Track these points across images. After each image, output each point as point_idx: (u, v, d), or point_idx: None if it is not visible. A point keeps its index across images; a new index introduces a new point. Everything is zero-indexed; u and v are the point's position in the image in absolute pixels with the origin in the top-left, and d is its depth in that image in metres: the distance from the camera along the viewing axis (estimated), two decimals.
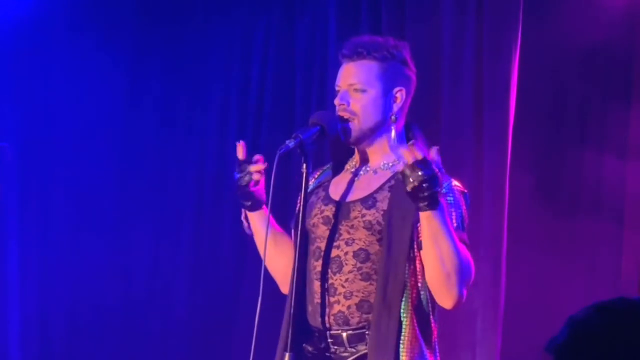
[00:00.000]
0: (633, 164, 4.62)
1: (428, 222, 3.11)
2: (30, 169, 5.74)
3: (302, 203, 3.28)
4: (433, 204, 3.09)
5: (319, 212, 3.36)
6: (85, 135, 5.76)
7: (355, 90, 3.34)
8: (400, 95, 3.36)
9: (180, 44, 5.74)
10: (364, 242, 3.28)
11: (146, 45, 5.80)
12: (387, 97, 3.35)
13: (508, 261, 4.75)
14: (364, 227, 3.28)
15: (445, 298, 3.21)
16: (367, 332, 3.25)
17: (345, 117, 3.33)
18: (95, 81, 5.75)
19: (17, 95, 5.75)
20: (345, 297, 3.27)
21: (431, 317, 3.29)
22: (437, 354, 3.31)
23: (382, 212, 3.27)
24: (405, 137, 3.40)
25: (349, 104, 3.34)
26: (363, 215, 3.29)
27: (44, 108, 5.77)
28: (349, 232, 3.30)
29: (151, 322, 5.66)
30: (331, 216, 3.34)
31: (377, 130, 3.36)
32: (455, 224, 3.23)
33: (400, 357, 3.20)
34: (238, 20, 5.62)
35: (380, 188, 3.32)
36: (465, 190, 3.34)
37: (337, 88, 3.39)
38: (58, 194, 5.75)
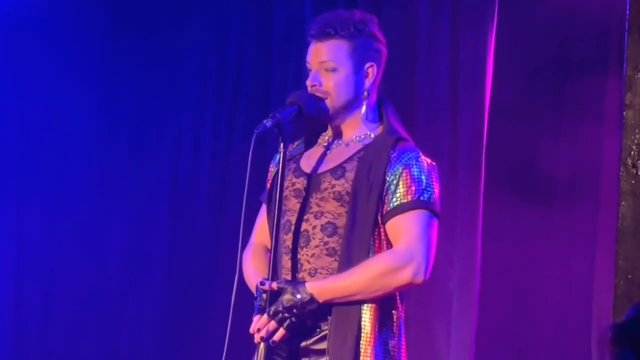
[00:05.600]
0: (608, 147, 4.62)
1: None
2: (4, 160, 5.72)
3: (279, 182, 3.27)
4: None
5: (290, 184, 3.36)
6: (61, 123, 5.74)
7: (327, 69, 3.33)
8: (371, 70, 3.36)
9: (156, 22, 5.71)
10: (333, 215, 3.27)
11: (122, 23, 5.76)
12: (358, 74, 3.34)
13: (483, 241, 4.76)
14: (333, 198, 3.27)
15: (408, 288, 3.26)
16: (329, 313, 3.23)
17: (319, 96, 3.33)
18: (70, 68, 5.72)
19: None
20: (309, 275, 3.27)
21: (397, 294, 3.27)
22: (402, 332, 3.29)
23: (351, 182, 3.27)
24: (378, 112, 3.41)
25: (321, 84, 3.34)
26: (333, 186, 3.28)
27: (18, 100, 5.76)
28: (318, 205, 3.29)
29: (126, 313, 5.65)
30: (302, 189, 3.34)
31: (350, 106, 3.36)
32: (415, 196, 3.23)
33: (362, 337, 3.20)
34: (215, 1, 5.59)
35: (350, 158, 3.32)
36: (434, 163, 3.34)
37: (308, 66, 3.39)
38: (33, 185, 5.74)
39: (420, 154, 3.31)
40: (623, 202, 4.27)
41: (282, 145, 3.26)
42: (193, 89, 5.64)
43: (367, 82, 3.35)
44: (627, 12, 4.38)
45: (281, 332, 3.18)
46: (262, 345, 3.19)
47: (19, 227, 5.74)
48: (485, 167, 4.77)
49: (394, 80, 4.67)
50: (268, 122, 3.24)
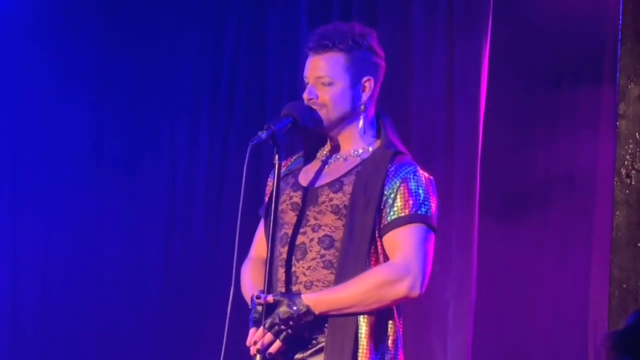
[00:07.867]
0: (602, 157, 4.63)
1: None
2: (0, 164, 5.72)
3: (275, 194, 3.26)
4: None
5: (287, 198, 3.36)
6: (55, 130, 5.72)
7: (323, 83, 3.32)
8: (368, 84, 3.35)
9: (151, 30, 5.70)
10: (330, 228, 3.27)
11: (116, 30, 5.76)
12: (355, 88, 3.34)
13: (479, 250, 4.76)
14: (331, 212, 3.27)
15: (404, 302, 3.25)
16: (325, 325, 3.23)
17: (315, 108, 3.33)
18: (65, 75, 5.71)
19: None
20: (305, 287, 3.27)
21: (394, 309, 3.27)
22: (400, 346, 3.28)
23: (348, 196, 3.26)
24: (376, 125, 3.40)
25: (317, 98, 3.33)
26: (330, 200, 3.28)
27: (12, 106, 5.74)
28: (316, 218, 3.29)
29: (122, 321, 5.64)
30: (299, 202, 3.33)
31: (346, 119, 3.35)
32: (412, 210, 3.22)
33: (359, 350, 3.19)
34: (210, 9, 5.60)
35: (348, 172, 3.32)
36: (431, 177, 3.34)
37: (305, 80, 3.39)
38: (27, 191, 5.72)
39: (418, 168, 3.31)
40: (617, 212, 4.28)
41: (276, 157, 3.26)
42: (188, 98, 5.63)
43: (364, 96, 3.34)
44: (620, 21, 4.39)
45: (277, 344, 3.18)
46: (258, 357, 3.19)
47: (14, 233, 5.72)
48: (480, 177, 4.78)
49: (390, 89, 4.68)
50: (263, 134, 3.24)
